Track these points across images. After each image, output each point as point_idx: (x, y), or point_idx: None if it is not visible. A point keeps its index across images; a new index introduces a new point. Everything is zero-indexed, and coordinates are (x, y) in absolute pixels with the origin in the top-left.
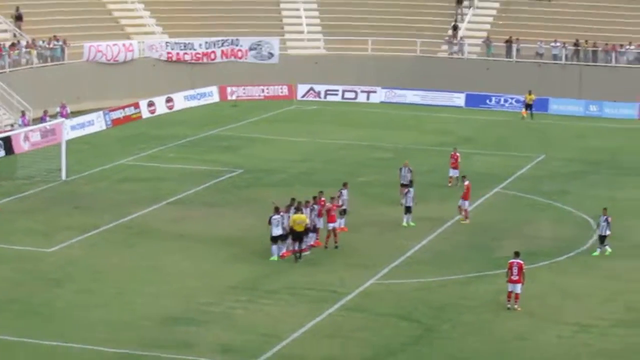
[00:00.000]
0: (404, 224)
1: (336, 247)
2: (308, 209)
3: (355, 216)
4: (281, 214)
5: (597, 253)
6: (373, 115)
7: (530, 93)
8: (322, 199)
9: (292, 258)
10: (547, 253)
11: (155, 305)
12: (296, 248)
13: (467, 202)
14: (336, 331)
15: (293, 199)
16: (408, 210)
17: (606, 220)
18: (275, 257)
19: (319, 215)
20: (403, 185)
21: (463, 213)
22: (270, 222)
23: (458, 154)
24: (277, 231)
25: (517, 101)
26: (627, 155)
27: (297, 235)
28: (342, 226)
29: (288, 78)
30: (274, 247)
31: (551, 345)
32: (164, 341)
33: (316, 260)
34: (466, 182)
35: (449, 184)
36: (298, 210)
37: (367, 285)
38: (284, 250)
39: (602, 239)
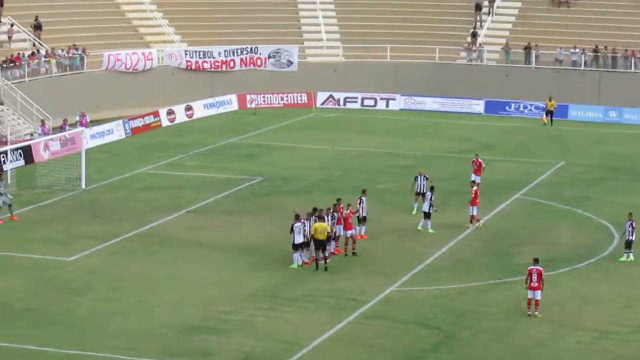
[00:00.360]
0: (420, 227)
1: (354, 254)
2: (329, 217)
3: (374, 223)
4: (302, 221)
5: (624, 258)
6: (392, 122)
7: (550, 99)
8: (341, 206)
9: (313, 266)
10: (567, 259)
11: (175, 313)
12: (320, 256)
13: (474, 208)
14: (356, 339)
15: (315, 209)
16: (427, 215)
17: (631, 225)
18: (296, 265)
19: (338, 222)
20: (418, 194)
21: (472, 219)
22: (292, 230)
23: (480, 160)
24: (299, 239)
25: (537, 108)
26: None
27: (319, 244)
28: (362, 233)
29: (307, 86)
30: (296, 255)
31: (571, 351)
32: (184, 350)
33: (336, 268)
34: (474, 188)
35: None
36: (319, 218)
37: (387, 293)
38: (306, 258)
39: (629, 244)
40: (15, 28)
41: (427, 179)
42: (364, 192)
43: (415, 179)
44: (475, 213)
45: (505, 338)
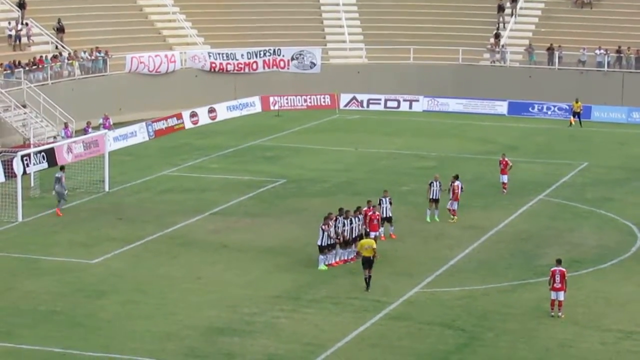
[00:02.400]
0: (428, 219)
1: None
2: (356, 219)
3: (399, 225)
4: (330, 222)
5: None
6: (415, 123)
7: (577, 101)
8: (365, 208)
9: (338, 268)
10: (590, 260)
11: (199, 315)
12: (366, 275)
13: (456, 203)
14: (380, 340)
15: (341, 209)
16: (435, 202)
17: None
18: (323, 267)
19: (364, 225)
20: (432, 201)
21: (451, 213)
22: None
23: (507, 160)
24: (326, 240)
25: (560, 109)
26: None
27: (366, 261)
28: (391, 233)
29: (330, 87)
30: (321, 257)
31: (595, 352)
32: (208, 352)
33: (359, 270)
34: (456, 183)
35: (504, 191)
36: (347, 219)
37: (411, 294)
38: (333, 260)
39: None
40: (37, 30)
41: (441, 184)
42: (385, 192)
43: (430, 184)
44: (455, 208)
45: (529, 339)
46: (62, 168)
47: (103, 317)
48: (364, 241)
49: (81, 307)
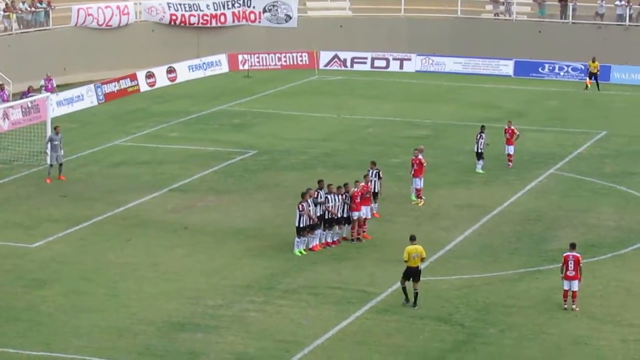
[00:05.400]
0: (412, 197)
1: (359, 239)
2: (339, 196)
3: (386, 204)
4: (308, 200)
5: None
6: (407, 86)
7: (594, 60)
8: (354, 190)
9: (317, 254)
10: (609, 245)
11: (156, 308)
12: (415, 289)
13: (419, 180)
14: (366, 337)
15: (321, 181)
16: (479, 156)
17: None
18: (299, 251)
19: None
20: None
21: (415, 193)
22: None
23: (513, 128)
24: (304, 221)
25: (574, 69)
26: None
27: (413, 273)
28: (375, 212)
29: (309, 44)
30: (298, 240)
31: (614, 350)
32: (167, 350)
33: (342, 255)
34: (419, 156)
35: (509, 164)
36: (329, 194)
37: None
38: (313, 244)
39: None
40: None
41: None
42: (373, 164)
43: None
44: (420, 186)
45: (537, 335)
46: None
47: (44, 310)
48: (411, 248)
49: (19, 298)
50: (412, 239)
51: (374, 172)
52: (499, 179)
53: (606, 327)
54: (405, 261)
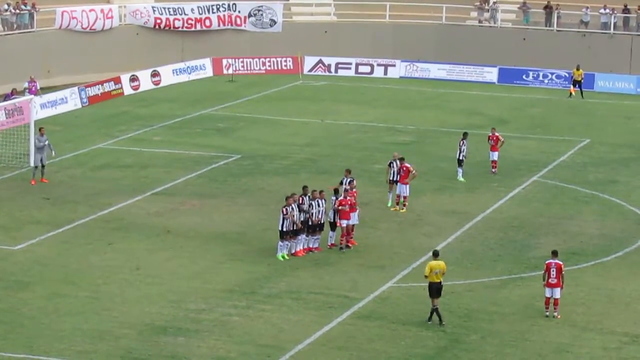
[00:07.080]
0: (389, 203)
1: (348, 246)
2: (322, 201)
3: (369, 209)
4: (292, 205)
5: None
6: (391, 92)
7: (578, 68)
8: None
9: (300, 259)
10: (591, 252)
11: (139, 312)
12: (433, 306)
13: (405, 187)
14: (348, 342)
15: (305, 187)
16: (396, 184)
17: None
18: (282, 256)
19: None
20: (392, 182)
21: (403, 200)
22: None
23: (498, 135)
24: (287, 225)
25: (558, 77)
26: None
27: (435, 289)
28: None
29: (293, 49)
30: (281, 244)
31: (596, 358)
32: (148, 354)
33: (324, 260)
34: (406, 164)
35: (493, 170)
36: (314, 199)
37: (383, 289)
38: (296, 249)
39: None
40: None
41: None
42: (348, 172)
43: (389, 165)
44: (406, 194)
45: (519, 342)
46: None
47: (26, 313)
48: (434, 264)
49: (0, 300)
50: (435, 254)
51: (348, 180)
52: (482, 186)
53: (588, 334)
54: (426, 276)
